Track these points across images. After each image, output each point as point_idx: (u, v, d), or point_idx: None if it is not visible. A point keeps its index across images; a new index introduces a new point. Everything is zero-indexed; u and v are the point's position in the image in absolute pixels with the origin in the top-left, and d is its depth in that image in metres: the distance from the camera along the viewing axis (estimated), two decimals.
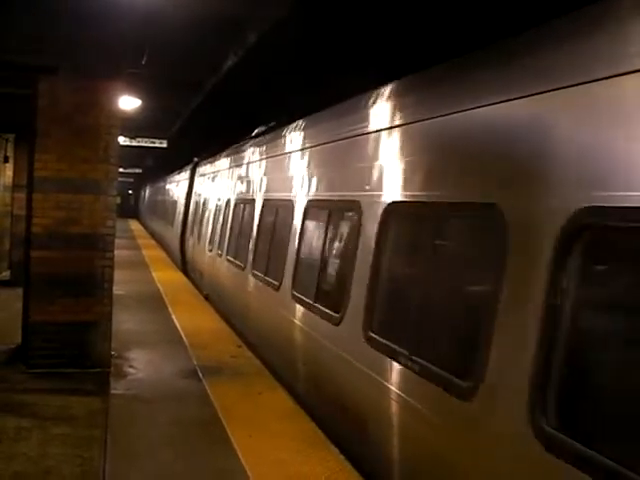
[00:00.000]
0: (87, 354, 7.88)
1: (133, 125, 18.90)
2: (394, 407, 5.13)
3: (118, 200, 9.98)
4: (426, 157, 5.28)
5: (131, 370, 7.99)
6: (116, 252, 8.36)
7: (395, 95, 6.10)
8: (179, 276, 17.83)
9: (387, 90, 6.24)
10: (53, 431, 5.97)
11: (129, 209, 58.90)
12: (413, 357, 4.84)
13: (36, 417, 6.29)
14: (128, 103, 14.39)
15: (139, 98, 14.72)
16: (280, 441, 5.87)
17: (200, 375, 7.83)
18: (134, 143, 23.70)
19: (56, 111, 7.74)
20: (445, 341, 4.87)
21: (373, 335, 5.59)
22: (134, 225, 45.23)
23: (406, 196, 5.44)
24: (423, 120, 5.29)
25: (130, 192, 64.71)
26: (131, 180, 60.31)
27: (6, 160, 15.24)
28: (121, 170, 44.32)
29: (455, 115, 4.77)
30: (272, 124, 12.17)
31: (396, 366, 5.10)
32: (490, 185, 4.28)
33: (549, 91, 3.71)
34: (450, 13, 8.48)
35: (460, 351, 4.56)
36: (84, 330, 7.88)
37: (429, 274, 4.99)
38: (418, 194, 5.27)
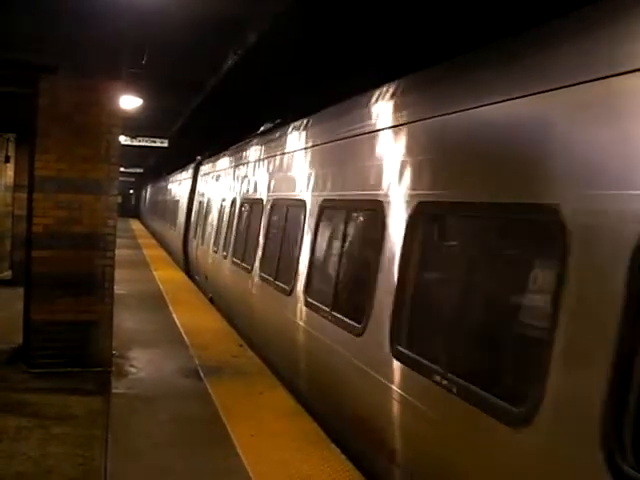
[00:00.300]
0: (88, 353, 7.88)
1: (134, 124, 18.91)
2: (424, 429, 4.70)
3: (119, 200, 9.95)
4: (466, 151, 4.69)
5: (132, 369, 7.99)
6: (117, 251, 8.36)
7: (433, 82, 5.53)
8: (180, 275, 17.83)
9: (424, 76, 5.69)
10: (54, 430, 5.96)
11: (130, 209, 58.93)
12: (450, 375, 4.35)
13: (37, 416, 6.29)
14: (129, 102, 14.40)
15: (140, 97, 14.73)
16: (282, 440, 5.87)
17: (201, 374, 7.83)
18: (135, 142, 23.72)
19: (56, 110, 7.74)
20: (492, 359, 4.34)
21: (401, 349, 5.09)
22: (135, 225, 45.23)
23: (440, 195, 4.91)
24: (465, 110, 4.67)
25: (131, 191, 64.74)
26: (132, 180, 60.34)
27: (7, 160, 15.23)
28: (122, 169, 44.33)
29: (509, 102, 4.18)
30: (279, 120, 11.82)
31: (429, 384, 4.58)
32: (551, 184, 3.71)
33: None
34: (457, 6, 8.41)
35: (511, 371, 4.09)
36: (85, 329, 7.88)
37: (471, 283, 4.49)
38: (455, 193, 4.71)
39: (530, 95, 3.97)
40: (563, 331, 3.40)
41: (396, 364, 5.12)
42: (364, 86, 6.76)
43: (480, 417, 3.95)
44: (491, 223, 4.40)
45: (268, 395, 7.15)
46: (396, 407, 5.10)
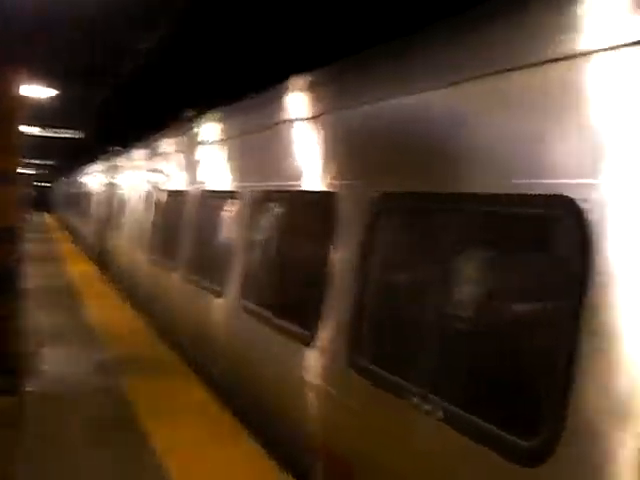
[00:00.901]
0: None
1: (47, 115, 18.31)
2: (396, 456, 4.03)
3: (32, 193, 9.59)
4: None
5: (45, 367, 7.74)
6: (29, 246, 8.10)
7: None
8: (94, 270, 17.42)
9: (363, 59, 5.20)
10: None
11: (44, 202, 57.31)
12: (432, 396, 3.70)
13: None
14: (41, 92, 13.94)
15: (53, 87, 14.27)
16: (201, 436, 5.79)
17: (117, 370, 7.67)
18: (49, 134, 23.03)
19: None
20: (491, 377, 3.52)
21: (363, 362, 4.49)
22: (49, 219, 44.04)
23: (416, 185, 4.29)
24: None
25: (44, 185, 62.91)
26: (44, 172, 58.64)
27: None
28: (35, 162, 43.07)
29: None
30: (204, 108, 11.30)
31: (401, 405, 3.94)
32: None
33: None
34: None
35: (517, 393, 3.30)
36: None
37: (457, 283, 3.80)
38: (426, 182, 4.14)
39: None
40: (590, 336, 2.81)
41: (356, 379, 4.52)
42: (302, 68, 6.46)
43: (475, 451, 3.31)
44: (478, 215, 3.79)
45: (186, 390, 7.05)
46: (361, 430, 4.45)
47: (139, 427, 5.96)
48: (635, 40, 2.88)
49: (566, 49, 3.21)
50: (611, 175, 2.91)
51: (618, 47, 2.96)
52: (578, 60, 3.16)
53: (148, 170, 14.38)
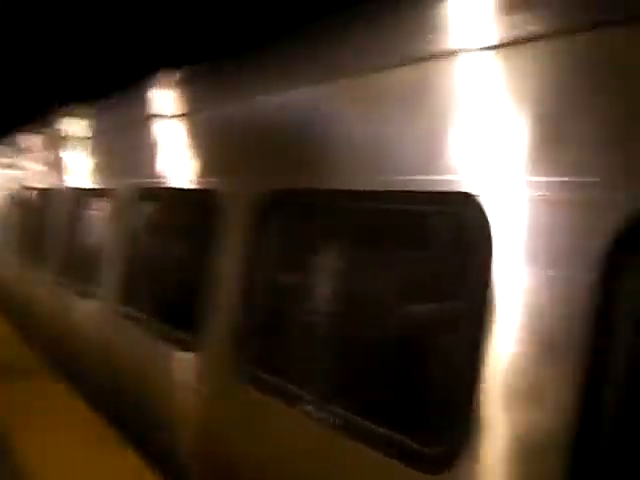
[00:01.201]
0: None
1: None
2: (293, 468, 3.81)
3: None
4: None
5: None
6: None
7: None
8: None
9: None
10: None
11: None
12: (322, 402, 3.58)
13: None
14: None
15: None
16: (74, 446, 5.46)
17: None
18: None
19: None
20: (391, 381, 3.41)
21: (250, 369, 4.27)
22: None
23: (307, 180, 4.10)
24: None
25: None
26: None
27: None
28: None
29: None
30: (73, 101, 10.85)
31: (292, 412, 3.78)
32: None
33: None
34: None
35: (417, 397, 3.21)
36: None
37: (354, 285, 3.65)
38: (321, 179, 3.93)
39: None
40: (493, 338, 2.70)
41: (243, 387, 4.34)
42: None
43: (380, 461, 3.13)
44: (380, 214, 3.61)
45: (57, 399, 6.64)
46: (253, 439, 4.22)
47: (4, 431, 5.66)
48: (503, 41, 2.96)
49: (439, 48, 3.25)
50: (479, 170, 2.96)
51: (489, 48, 3.03)
52: (450, 59, 3.20)
53: (12, 167, 13.74)
